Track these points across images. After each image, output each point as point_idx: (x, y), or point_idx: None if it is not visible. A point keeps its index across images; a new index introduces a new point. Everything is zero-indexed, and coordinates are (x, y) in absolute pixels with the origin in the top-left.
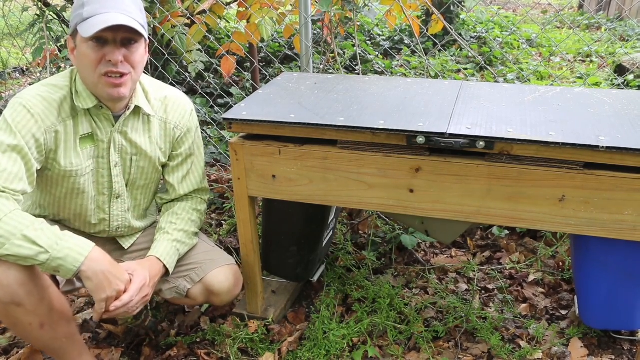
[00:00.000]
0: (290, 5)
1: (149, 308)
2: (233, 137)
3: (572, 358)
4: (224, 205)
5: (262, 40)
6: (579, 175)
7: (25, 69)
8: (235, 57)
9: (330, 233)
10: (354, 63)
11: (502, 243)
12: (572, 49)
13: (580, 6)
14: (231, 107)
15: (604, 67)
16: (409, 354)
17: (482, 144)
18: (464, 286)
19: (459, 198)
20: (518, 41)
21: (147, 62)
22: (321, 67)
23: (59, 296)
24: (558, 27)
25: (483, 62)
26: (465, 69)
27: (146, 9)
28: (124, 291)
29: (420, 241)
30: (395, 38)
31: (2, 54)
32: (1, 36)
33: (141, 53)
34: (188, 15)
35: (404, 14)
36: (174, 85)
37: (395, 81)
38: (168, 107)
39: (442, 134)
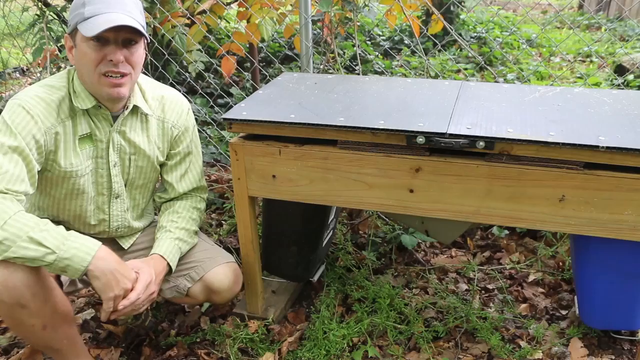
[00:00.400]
0: (290, 5)
1: (149, 308)
2: (233, 137)
3: (572, 358)
4: (224, 205)
5: (262, 40)
6: (579, 175)
7: (25, 69)
8: (235, 57)
9: (330, 233)
10: (354, 63)
11: (502, 243)
12: (572, 49)
13: (580, 6)
14: (231, 107)
15: (604, 67)
16: (409, 354)
17: (482, 144)
18: (464, 286)
19: (459, 198)
20: (518, 41)
21: (147, 62)
22: (321, 67)
23: (63, 298)
24: (558, 27)
25: (483, 62)
26: (465, 69)
27: (146, 9)
28: (131, 289)
29: (420, 241)
30: (395, 38)
31: (2, 54)
32: (1, 36)
33: (140, 54)
34: (188, 15)
35: (404, 13)
36: (174, 86)
37: (395, 81)
38: (165, 107)
39: (442, 134)
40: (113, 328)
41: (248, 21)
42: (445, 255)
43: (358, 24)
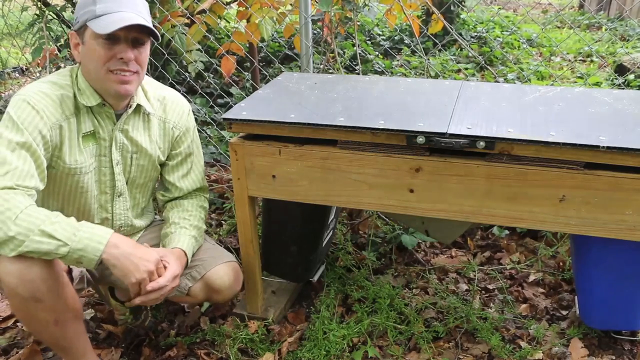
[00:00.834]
0: (290, 5)
1: (148, 308)
2: (233, 137)
3: (573, 358)
4: (224, 205)
5: (262, 40)
6: (579, 175)
7: (24, 69)
8: (235, 57)
9: (330, 233)
10: (354, 63)
11: (502, 243)
12: (573, 49)
13: (581, 6)
14: (231, 107)
15: (605, 66)
16: (409, 354)
17: (482, 144)
18: (464, 286)
19: (459, 198)
20: (518, 41)
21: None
22: (321, 67)
23: (74, 294)
24: (558, 27)
25: (483, 62)
26: (466, 68)
27: None
28: (155, 271)
29: (420, 241)
30: (395, 38)
31: (2, 54)
32: (0, 36)
33: (147, 54)
34: (188, 15)
35: (404, 13)
36: (173, 85)
37: (395, 81)
38: (167, 107)
39: (442, 134)
40: (113, 328)
41: (248, 21)
42: (446, 256)
43: (358, 23)
